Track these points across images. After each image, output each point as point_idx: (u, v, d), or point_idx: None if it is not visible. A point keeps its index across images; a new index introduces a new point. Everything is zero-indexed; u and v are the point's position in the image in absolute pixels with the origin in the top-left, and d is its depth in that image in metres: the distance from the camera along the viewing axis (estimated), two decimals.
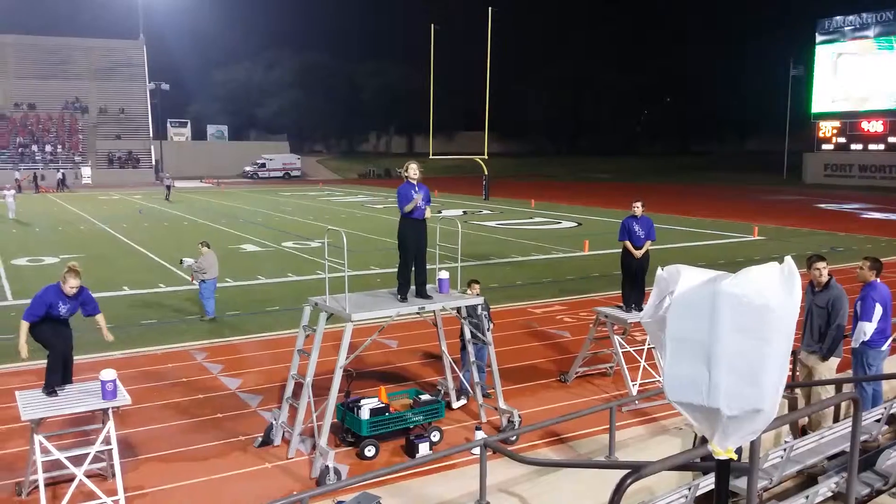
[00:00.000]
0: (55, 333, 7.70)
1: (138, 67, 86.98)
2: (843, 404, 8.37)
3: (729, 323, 2.65)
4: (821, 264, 8.22)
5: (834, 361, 8.24)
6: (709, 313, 2.70)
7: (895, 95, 58.82)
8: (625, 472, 3.97)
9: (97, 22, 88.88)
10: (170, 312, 15.71)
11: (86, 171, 70.11)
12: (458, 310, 9.51)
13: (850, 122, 62.16)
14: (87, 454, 7.30)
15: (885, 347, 8.55)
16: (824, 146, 64.73)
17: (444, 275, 9.45)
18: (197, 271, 15.03)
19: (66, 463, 7.18)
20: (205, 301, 15.20)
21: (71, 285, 7.61)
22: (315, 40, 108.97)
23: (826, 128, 64.27)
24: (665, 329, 2.84)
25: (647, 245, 11.13)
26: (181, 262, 16.07)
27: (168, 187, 49.91)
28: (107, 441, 7.37)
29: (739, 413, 2.70)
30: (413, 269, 9.09)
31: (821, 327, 8.17)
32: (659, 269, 2.96)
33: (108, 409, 7.35)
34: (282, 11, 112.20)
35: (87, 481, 7.19)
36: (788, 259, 2.73)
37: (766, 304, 2.62)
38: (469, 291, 10.15)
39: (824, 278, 8.18)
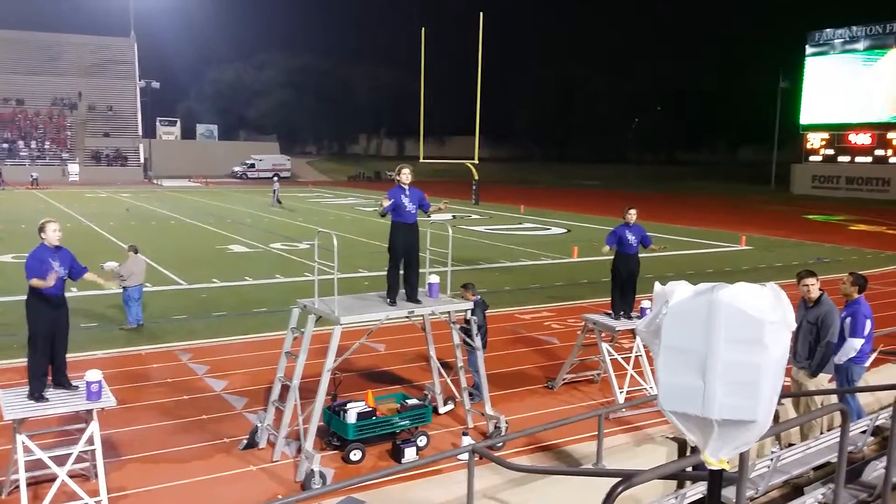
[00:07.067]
0: (48, 304, 7.37)
1: (128, 65, 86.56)
2: (827, 417, 8.41)
3: (725, 333, 2.64)
4: (810, 280, 8.15)
5: (824, 378, 8.22)
6: (704, 323, 2.69)
7: (883, 108, 59.36)
8: (614, 480, 3.95)
9: (88, 18, 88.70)
10: (155, 312, 15.59)
11: (73, 169, 69.67)
12: (449, 314, 9.48)
13: (838, 133, 62.64)
14: (70, 454, 7.21)
15: (867, 364, 8.63)
16: (812, 157, 65.18)
17: (434, 279, 9.42)
18: (119, 276, 13.99)
19: (49, 463, 7.10)
20: (126, 308, 14.30)
21: (53, 229, 7.41)
22: (307, 42, 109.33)
23: (814, 139, 64.74)
24: (660, 338, 2.82)
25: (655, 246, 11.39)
26: (101, 266, 14.19)
27: (274, 191, 44.98)
28: (90, 441, 7.28)
29: (733, 424, 2.69)
30: (403, 272, 9.07)
31: (810, 343, 8.14)
32: (657, 283, 2.95)
33: (92, 409, 7.27)
34: (274, 12, 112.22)
35: (69, 481, 7.11)
36: (771, 284, 2.76)
37: (761, 316, 2.61)
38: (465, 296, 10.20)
39: (814, 294, 8.13)
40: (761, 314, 2.61)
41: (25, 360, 7.54)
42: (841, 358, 8.29)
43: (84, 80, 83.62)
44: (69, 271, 7.64)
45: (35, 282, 7.24)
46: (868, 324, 8.33)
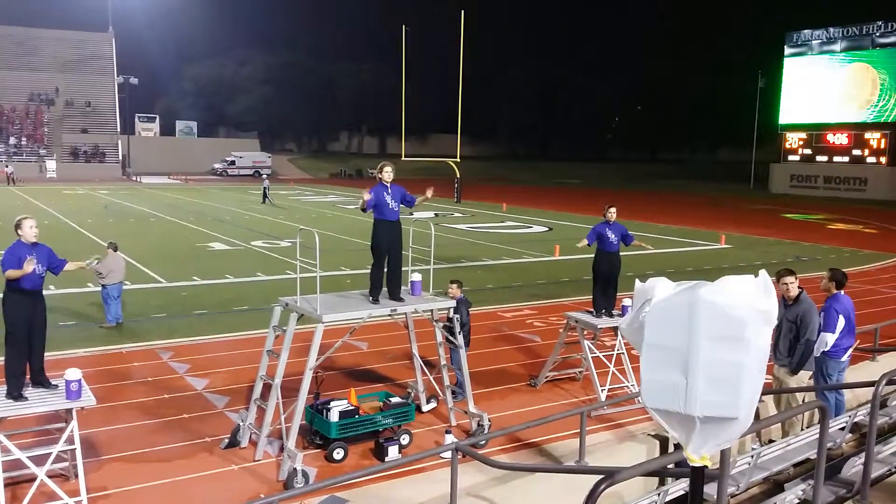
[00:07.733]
0: (25, 300, 7.27)
1: (107, 60, 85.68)
2: (807, 413, 8.49)
3: (707, 331, 2.66)
4: (789, 279, 8.26)
5: (804, 375, 8.32)
6: (686, 321, 2.70)
7: (860, 109, 60.03)
8: (597, 477, 3.97)
9: (66, 13, 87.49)
10: (134, 310, 15.47)
11: (50, 165, 68.92)
12: (432, 312, 9.48)
13: (815, 133, 63.26)
14: (50, 454, 7.14)
15: (844, 359, 8.71)
16: (790, 157, 65.78)
17: (417, 277, 9.42)
18: (98, 274, 13.93)
19: (28, 463, 7.03)
20: (106, 306, 14.21)
21: (30, 226, 7.28)
22: (288, 38, 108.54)
23: (792, 139, 65.33)
24: (642, 336, 2.84)
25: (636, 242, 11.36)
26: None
27: (265, 188, 44.80)
28: (70, 441, 7.21)
29: (715, 421, 2.71)
30: (386, 270, 9.04)
31: (790, 341, 8.23)
32: (637, 281, 2.96)
33: (72, 408, 7.20)
34: (254, 8, 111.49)
35: (48, 481, 7.04)
36: (763, 273, 2.76)
37: (743, 314, 2.64)
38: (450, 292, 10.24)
39: (793, 292, 8.23)
40: (743, 312, 2.63)
41: (2, 358, 7.44)
42: (816, 352, 8.39)
43: (61, 75, 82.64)
44: (49, 267, 7.54)
45: (11, 272, 7.11)
46: (841, 319, 8.40)
